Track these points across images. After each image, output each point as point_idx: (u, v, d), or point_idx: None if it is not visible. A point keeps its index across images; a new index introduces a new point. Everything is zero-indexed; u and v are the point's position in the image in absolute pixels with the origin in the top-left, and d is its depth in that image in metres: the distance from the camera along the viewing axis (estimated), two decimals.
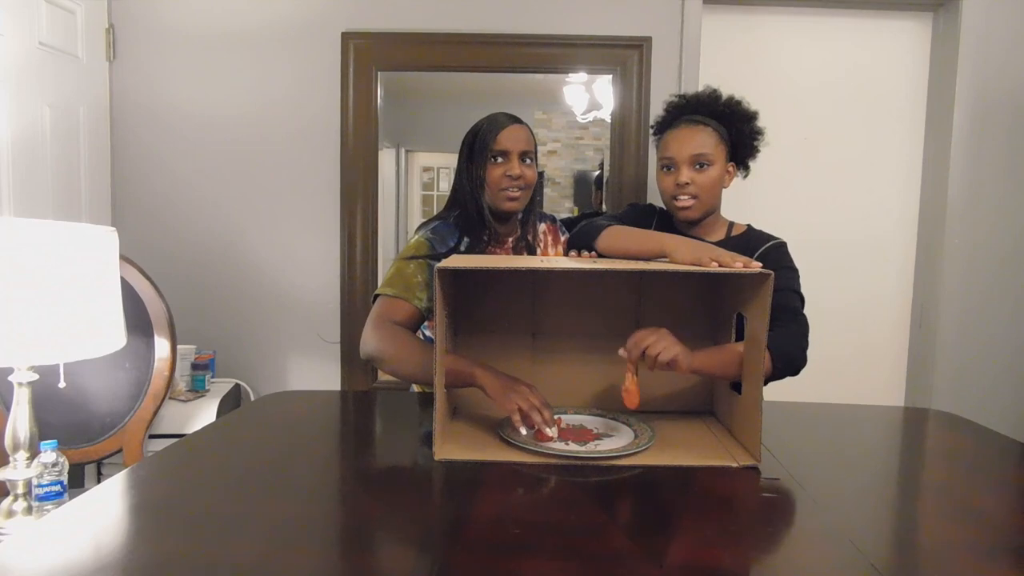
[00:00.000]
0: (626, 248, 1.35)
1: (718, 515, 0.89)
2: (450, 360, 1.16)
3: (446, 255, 1.36)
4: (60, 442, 1.40)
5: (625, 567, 0.72)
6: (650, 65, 2.21)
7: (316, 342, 2.31)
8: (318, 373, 2.31)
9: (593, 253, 1.41)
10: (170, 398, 1.95)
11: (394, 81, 2.27)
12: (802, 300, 1.35)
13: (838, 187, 2.37)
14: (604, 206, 2.31)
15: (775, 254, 1.39)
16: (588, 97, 2.29)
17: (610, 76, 2.24)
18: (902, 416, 1.58)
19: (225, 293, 2.29)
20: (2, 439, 1.34)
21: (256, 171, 2.27)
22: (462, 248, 1.44)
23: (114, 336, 1.36)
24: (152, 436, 1.82)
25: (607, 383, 1.31)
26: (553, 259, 1.42)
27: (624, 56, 2.22)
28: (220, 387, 2.15)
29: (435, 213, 1.56)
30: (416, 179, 2.39)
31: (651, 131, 1.61)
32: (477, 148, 1.45)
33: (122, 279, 1.49)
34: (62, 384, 1.36)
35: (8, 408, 1.45)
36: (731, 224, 1.50)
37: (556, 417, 1.15)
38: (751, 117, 1.48)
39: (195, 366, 2.10)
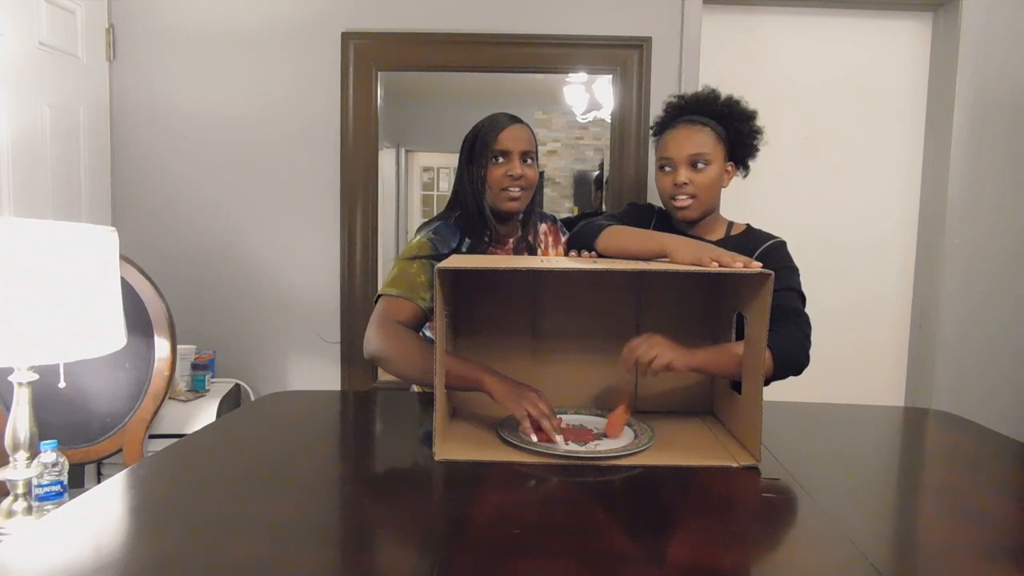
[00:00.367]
0: (626, 248, 1.34)
1: (718, 515, 0.89)
2: (457, 364, 1.16)
3: (448, 255, 1.36)
4: (60, 442, 1.40)
5: (625, 567, 0.72)
6: (650, 65, 2.21)
7: (316, 342, 2.31)
8: (318, 373, 2.31)
9: (593, 253, 1.41)
10: (170, 398, 1.95)
11: (394, 81, 2.27)
12: (803, 299, 1.34)
13: (838, 187, 2.37)
14: (604, 206, 2.31)
15: (775, 253, 1.39)
16: (588, 97, 2.29)
17: (610, 76, 2.24)
18: (902, 416, 1.58)
19: (225, 293, 2.29)
20: (2, 439, 1.34)
21: (256, 171, 2.27)
22: (463, 249, 1.43)
23: (114, 336, 1.36)
24: (152, 436, 1.82)
25: (607, 383, 1.31)
26: (553, 259, 1.42)
27: (624, 56, 2.22)
28: (220, 387, 2.15)
29: (435, 213, 1.56)
30: (416, 179, 2.39)
31: (650, 131, 1.61)
32: (478, 148, 1.44)
33: (122, 279, 1.49)
34: (62, 384, 1.36)
35: (8, 408, 1.45)
36: (730, 224, 1.49)
37: (557, 418, 1.15)
38: (750, 116, 1.48)
39: (195, 366, 2.10)
